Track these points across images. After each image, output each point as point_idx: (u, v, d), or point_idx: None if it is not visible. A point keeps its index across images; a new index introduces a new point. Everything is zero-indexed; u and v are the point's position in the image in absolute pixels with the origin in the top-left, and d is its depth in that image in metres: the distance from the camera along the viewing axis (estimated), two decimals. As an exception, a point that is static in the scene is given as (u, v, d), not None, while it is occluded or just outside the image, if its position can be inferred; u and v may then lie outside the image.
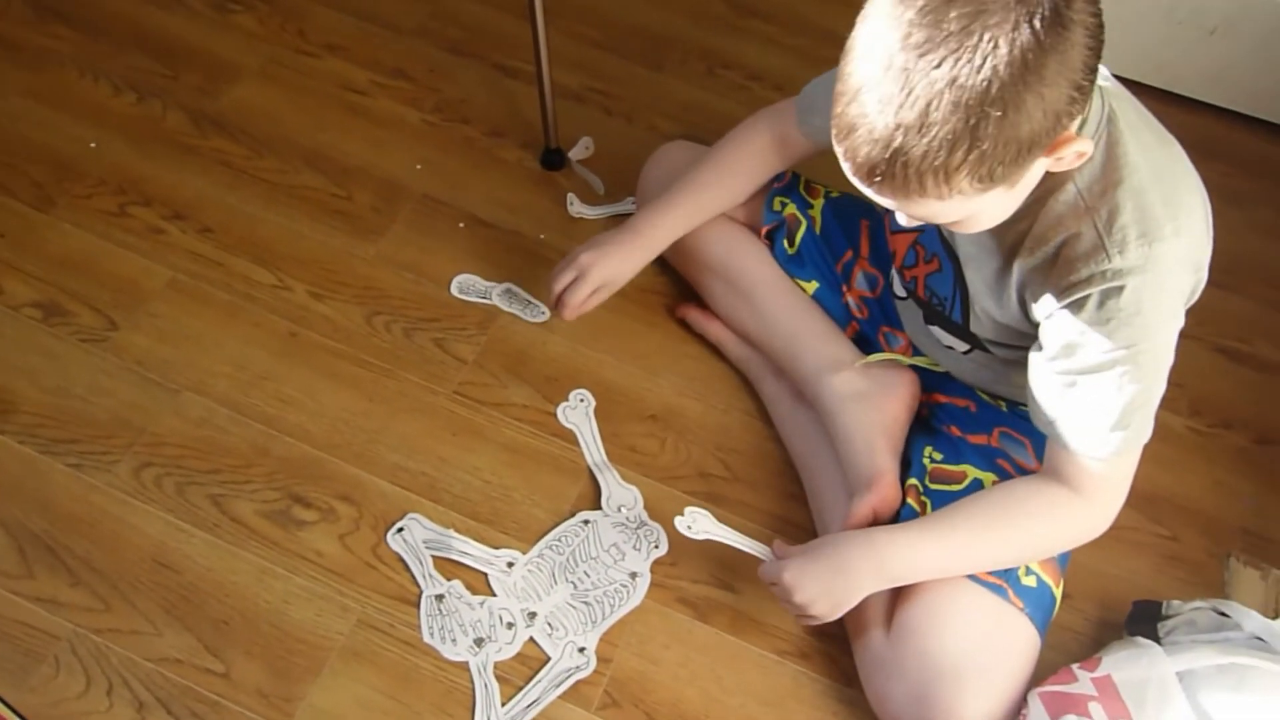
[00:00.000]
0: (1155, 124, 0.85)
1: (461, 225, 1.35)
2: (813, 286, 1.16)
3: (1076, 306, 0.82)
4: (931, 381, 1.11)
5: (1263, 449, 1.26)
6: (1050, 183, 0.81)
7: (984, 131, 0.66)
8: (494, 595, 1.06)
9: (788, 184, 1.20)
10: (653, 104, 1.53)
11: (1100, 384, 0.83)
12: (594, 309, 1.15)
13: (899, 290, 1.09)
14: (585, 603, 1.06)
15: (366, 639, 1.03)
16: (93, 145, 1.36)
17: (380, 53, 1.52)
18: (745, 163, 1.10)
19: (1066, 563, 1.03)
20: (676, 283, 1.33)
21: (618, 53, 1.59)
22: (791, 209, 1.18)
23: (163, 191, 1.33)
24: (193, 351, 1.20)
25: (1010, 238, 0.86)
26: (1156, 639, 1.01)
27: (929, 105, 0.65)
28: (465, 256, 1.32)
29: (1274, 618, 0.99)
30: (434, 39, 1.56)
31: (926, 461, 1.04)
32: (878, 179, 0.70)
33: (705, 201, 1.10)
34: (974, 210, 0.75)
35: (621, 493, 1.14)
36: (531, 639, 1.04)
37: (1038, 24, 0.64)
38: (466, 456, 1.16)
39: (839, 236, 1.17)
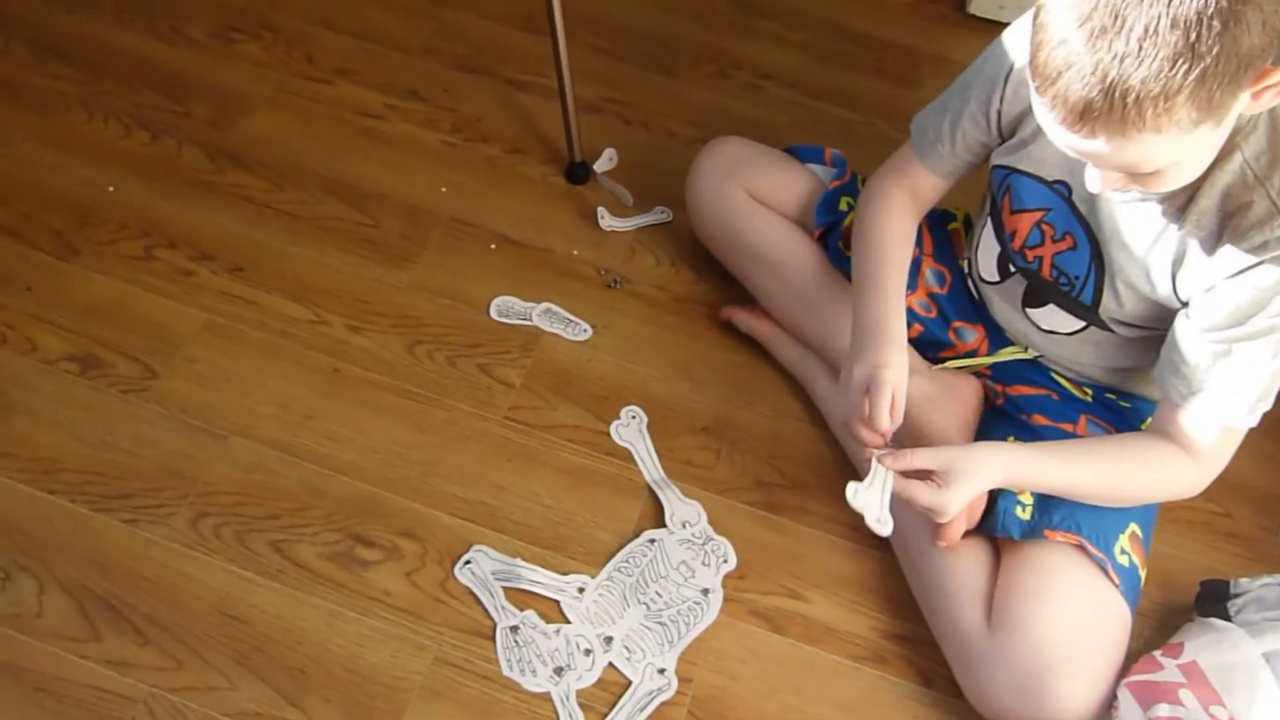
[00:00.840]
0: None
1: (493, 246, 1.34)
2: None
3: (1247, 274, 0.84)
4: (1012, 373, 1.11)
5: (1306, 420, 1.28)
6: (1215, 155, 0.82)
7: (1204, 46, 0.65)
8: (568, 622, 1.05)
9: (848, 182, 1.19)
10: (669, 110, 1.53)
11: (1256, 351, 0.87)
12: (633, 324, 1.20)
13: (990, 274, 1.08)
14: (660, 623, 1.06)
15: (445, 676, 1.02)
16: (110, 189, 1.32)
17: (391, 74, 1.50)
18: (899, 225, 1.07)
19: (1150, 546, 1.04)
20: (712, 291, 1.32)
21: (629, 60, 1.58)
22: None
23: (186, 232, 1.30)
24: (235, 394, 1.17)
25: (1171, 210, 0.88)
26: (1227, 618, 1.03)
27: (1146, 29, 0.65)
28: (499, 278, 1.31)
29: (1337, 589, 1.01)
30: (442, 57, 1.54)
31: None
32: (1095, 115, 0.69)
33: (900, 278, 1.05)
34: (1181, 155, 0.75)
35: (684, 509, 1.13)
36: (610, 664, 1.03)
37: None
38: (524, 482, 1.15)
39: None
